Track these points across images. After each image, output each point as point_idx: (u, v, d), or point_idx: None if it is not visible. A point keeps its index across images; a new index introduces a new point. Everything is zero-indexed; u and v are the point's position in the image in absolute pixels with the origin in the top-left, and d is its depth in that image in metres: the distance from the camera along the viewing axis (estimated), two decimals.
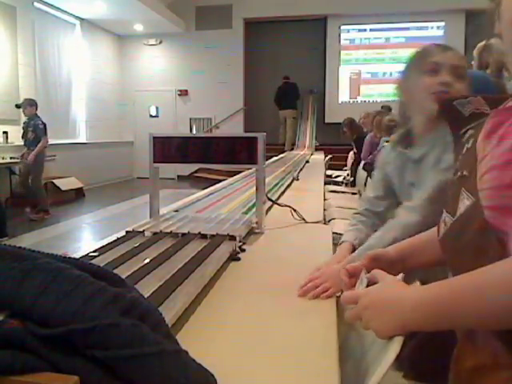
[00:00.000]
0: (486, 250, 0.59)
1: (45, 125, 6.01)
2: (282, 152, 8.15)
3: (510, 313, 0.53)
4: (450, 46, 1.28)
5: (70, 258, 0.56)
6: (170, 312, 0.85)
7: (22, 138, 6.04)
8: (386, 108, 6.15)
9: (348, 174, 5.62)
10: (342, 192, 4.58)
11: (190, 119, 11.11)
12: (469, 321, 0.59)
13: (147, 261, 1.17)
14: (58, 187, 7.36)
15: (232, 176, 3.74)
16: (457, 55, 1.26)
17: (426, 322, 0.61)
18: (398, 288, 0.68)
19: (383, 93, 10.15)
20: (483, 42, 2.48)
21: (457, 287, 0.59)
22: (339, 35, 10.68)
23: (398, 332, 0.65)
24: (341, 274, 0.86)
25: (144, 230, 1.53)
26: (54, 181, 7.32)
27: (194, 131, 10.92)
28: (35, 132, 5.89)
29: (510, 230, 0.56)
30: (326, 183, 4.22)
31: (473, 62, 2.52)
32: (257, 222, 1.69)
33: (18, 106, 6.20)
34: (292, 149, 9.43)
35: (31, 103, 6.03)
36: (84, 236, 5.61)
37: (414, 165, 1.32)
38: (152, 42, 11.05)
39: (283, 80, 9.92)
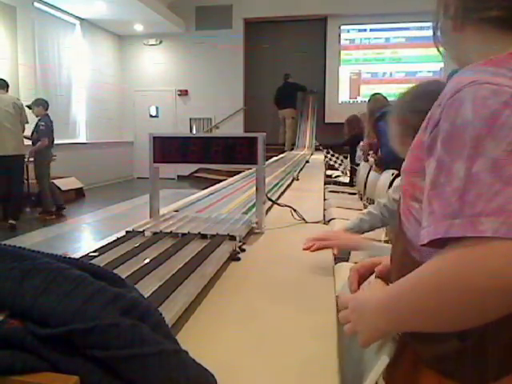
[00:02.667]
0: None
1: (47, 126, 5.95)
2: (282, 152, 8.15)
3: (422, 318, 0.56)
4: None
5: (70, 258, 0.56)
6: (169, 312, 0.85)
7: (30, 137, 5.99)
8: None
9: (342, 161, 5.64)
10: (342, 192, 4.58)
11: (190, 119, 11.10)
12: (406, 324, 0.61)
13: (147, 261, 1.17)
14: (58, 187, 7.35)
15: (232, 176, 3.74)
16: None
17: (386, 324, 0.63)
18: (372, 293, 0.71)
19: (383, 93, 10.14)
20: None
21: (392, 292, 0.63)
22: (339, 35, 10.67)
23: (374, 338, 0.67)
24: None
25: (144, 230, 1.53)
26: (54, 181, 7.31)
27: (194, 131, 10.91)
28: (37, 133, 5.90)
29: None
30: (325, 183, 4.23)
31: None
32: (257, 222, 1.69)
33: (29, 107, 6.04)
34: (292, 149, 9.42)
35: (37, 103, 6.01)
36: (84, 236, 5.61)
37: None
38: (152, 42, 11.05)
39: (284, 79, 9.90)
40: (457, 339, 0.57)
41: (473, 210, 0.51)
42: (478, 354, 0.57)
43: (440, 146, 0.56)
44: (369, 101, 4.41)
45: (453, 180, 0.53)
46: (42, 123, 5.92)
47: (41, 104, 6.01)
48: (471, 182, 0.52)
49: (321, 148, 7.13)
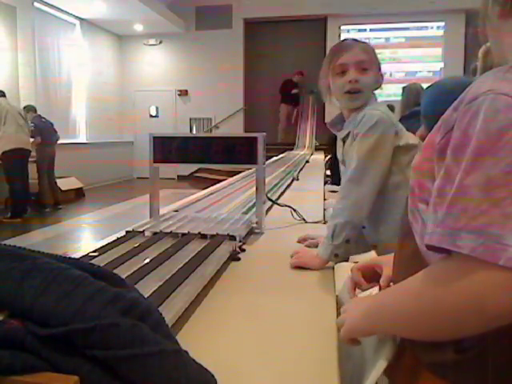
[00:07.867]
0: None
1: (36, 125, 6.51)
2: (282, 152, 8.15)
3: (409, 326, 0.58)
4: (354, 40, 1.47)
5: (70, 258, 0.56)
6: (169, 312, 0.85)
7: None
8: (389, 108, 6.09)
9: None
10: None
11: (190, 119, 11.10)
12: (387, 329, 0.67)
13: (147, 261, 1.17)
14: (58, 187, 7.35)
15: (232, 176, 3.74)
16: (360, 51, 1.42)
17: (369, 324, 0.66)
18: (367, 297, 0.75)
19: (383, 93, 10.15)
20: (488, 44, 2.46)
21: (379, 300, 0.68)
22: (339, 35, 10.65)
23: (354, 333, 0.70)
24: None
25: (144, 230, 1.53)
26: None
27: (194, 131, 10.91)
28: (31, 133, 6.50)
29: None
30: (325, 183, 4.22)
31: (477, 63, 2.50)
32: (257, 222, 1.69)
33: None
34: (292, 149, 9.42)
35: (27, 109, 6.68)
36: (84, 236, 5.61)
37: (341, 143, 1.51)
38: (152, 42, 11.04)
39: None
40: (453, 351, 0.57)
41: (455, 223, 0.50)
42: (480, 367, 0.56)
43: (449, 153, 0.55)
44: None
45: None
46: (32, 124, 6.50)
47: (30, 109, 6.70)
48: (460, 194, 0.51)
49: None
